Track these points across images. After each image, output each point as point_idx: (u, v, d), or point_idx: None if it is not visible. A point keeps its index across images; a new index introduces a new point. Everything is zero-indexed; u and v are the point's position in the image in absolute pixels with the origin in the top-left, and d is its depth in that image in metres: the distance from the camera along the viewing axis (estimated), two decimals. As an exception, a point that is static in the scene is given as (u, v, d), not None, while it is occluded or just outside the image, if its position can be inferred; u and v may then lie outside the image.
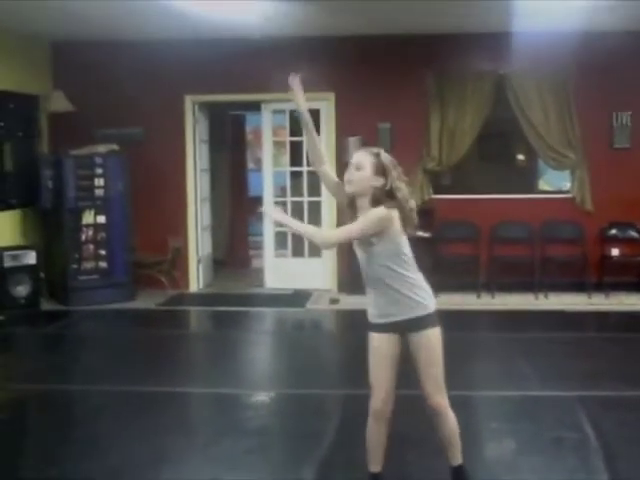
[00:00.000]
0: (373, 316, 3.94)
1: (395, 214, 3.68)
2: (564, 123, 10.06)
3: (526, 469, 4.57)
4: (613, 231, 10.07)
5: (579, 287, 9.78)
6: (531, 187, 11.01)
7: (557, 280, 9.85)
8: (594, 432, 5.08)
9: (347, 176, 3.76)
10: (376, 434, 3.96)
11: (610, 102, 9.93)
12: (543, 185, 11.56)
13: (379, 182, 3.71)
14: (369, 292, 3.93)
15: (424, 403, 3.93)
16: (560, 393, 5.97)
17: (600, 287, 9.80)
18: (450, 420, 3.90)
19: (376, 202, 3.70)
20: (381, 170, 3.71)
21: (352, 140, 10.10)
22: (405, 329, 3.82)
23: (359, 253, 3.87)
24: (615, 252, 10.03)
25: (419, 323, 3.80)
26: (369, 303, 3.96)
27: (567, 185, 10.59)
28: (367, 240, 3.74)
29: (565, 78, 9.87)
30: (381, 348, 3.89)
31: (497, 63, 9.93)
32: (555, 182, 11.39)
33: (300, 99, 4.05)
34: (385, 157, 3.77)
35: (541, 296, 9.65)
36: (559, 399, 5.86)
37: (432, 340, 3.83)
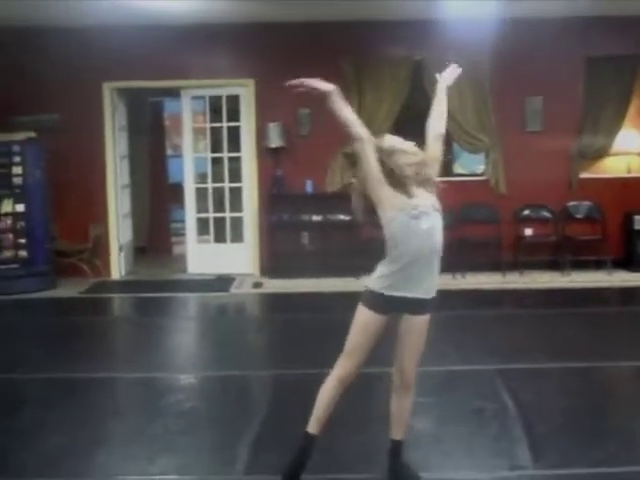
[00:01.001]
0: (391, 289, 3.80)
1: None
2: (479, 108, 10.34)
3: (451, 439, 4.77)
4: (526, 212, 10.42)
5: (495, 267, 10.10)
6: (447, 170, 11.26)
7: (473, 260, 10.14)
8: (513, 402, 5.31)
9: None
10: (333, 398, 4.00)
11: (523, 87, 10.24)
12: (458, 168, 11.86)
13: None
14: (410, 267, 3.75)
15: (397, 378, 4.03)
16: (480, 367, 6.20)
17: (515, 266, 10.14)
18: (412, 398, 4.07)
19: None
20: None
21: (272, 126, 10.22)
22: (414, 309, 3.87)
23: (427, 221, 3.73)
24: (528, 232, 10.38)
25: (429, 305, 3.90)
26: (392, 276, 3.79)
27: (481, 168, 10.90)
28: (438, 207, 3.82)
29: (481, 64, 10.12)
30: (375, 327, 3.88)
31: (414, 49, 10.15)
32: (470, 165, 11.71)
33: (320, 84, 4.04)
34: None
35: (458, 276, 9.94)
36: (479, 372, 6.08)
37: (428, 324, 3.97)
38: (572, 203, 10.41)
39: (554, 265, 10.26)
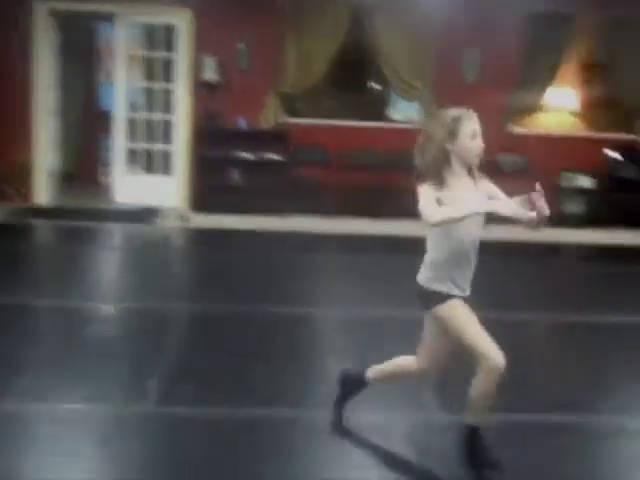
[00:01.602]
0: (452, 289, 3.61)
1: None
2: (417, 56, 10.32)
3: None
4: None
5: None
6: (382, 115, 11.28)
7: (402, 206, 10.15)
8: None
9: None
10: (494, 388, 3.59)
11: (462, 39, 10.23)
12: (395, 114, 11.86)
13: None
14: (453, 266, 3.59)
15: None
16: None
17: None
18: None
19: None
20: None
21: (208, 59, 10.08)
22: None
23: (474, 224, 3.58)
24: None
25: None
26: (445, 278, 3.61)
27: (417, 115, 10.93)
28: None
29: (422, 13, 10.07)
30: (467, 309, 3.63)
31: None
32: (406, 112, 11.70)
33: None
34: None
35: (380, 221, 9.99)
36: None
37: None
38: (502, 156, 10.50)
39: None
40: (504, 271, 7.96)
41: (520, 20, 10.26)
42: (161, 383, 4.62)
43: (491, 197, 3.64)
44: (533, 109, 10.72)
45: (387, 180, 10.27)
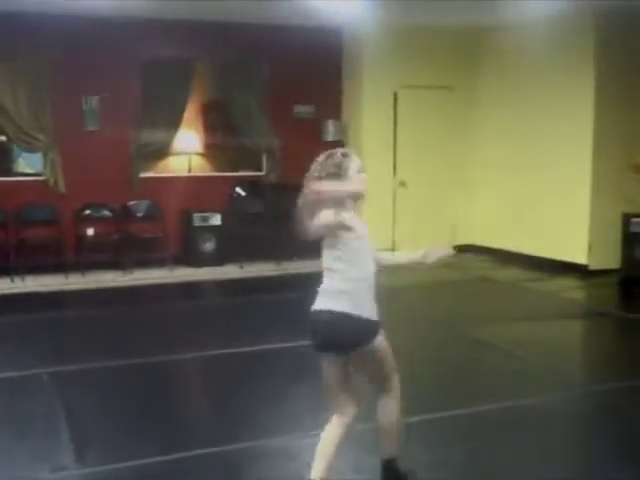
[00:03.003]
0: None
1: None
2: (35, 106, 10.08)
3: None
4: (87, 212, 10.37)
5: (57, 268, 9.90)
6: (7, 170, 10.84)
7: (35, 262, 9.83)
8: (63, 405, 5.30)
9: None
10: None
11: (80, 87, 10.18)
12: (22, 168, 11.44)
13: None
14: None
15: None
16: (31, 371, 6.05)
17: (77, 267, 10.01)
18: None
19: None
20: None
21: None
22: None
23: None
24: (90, 232, 10.30)
25: None
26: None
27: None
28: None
29: (39, 62, 9.88)
30: None
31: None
32: (33, 165, 11.35)
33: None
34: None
35: (18, 279, 9.59)
36: (29, 377, 5.94)
37: None
38: (132, 202, 10.55)
39: (116, 264, 10.29)
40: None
41: (138, 67, 10.41)
42: None
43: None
44: (161, 153, 10.87)
45: (17, 235, 9.90)
